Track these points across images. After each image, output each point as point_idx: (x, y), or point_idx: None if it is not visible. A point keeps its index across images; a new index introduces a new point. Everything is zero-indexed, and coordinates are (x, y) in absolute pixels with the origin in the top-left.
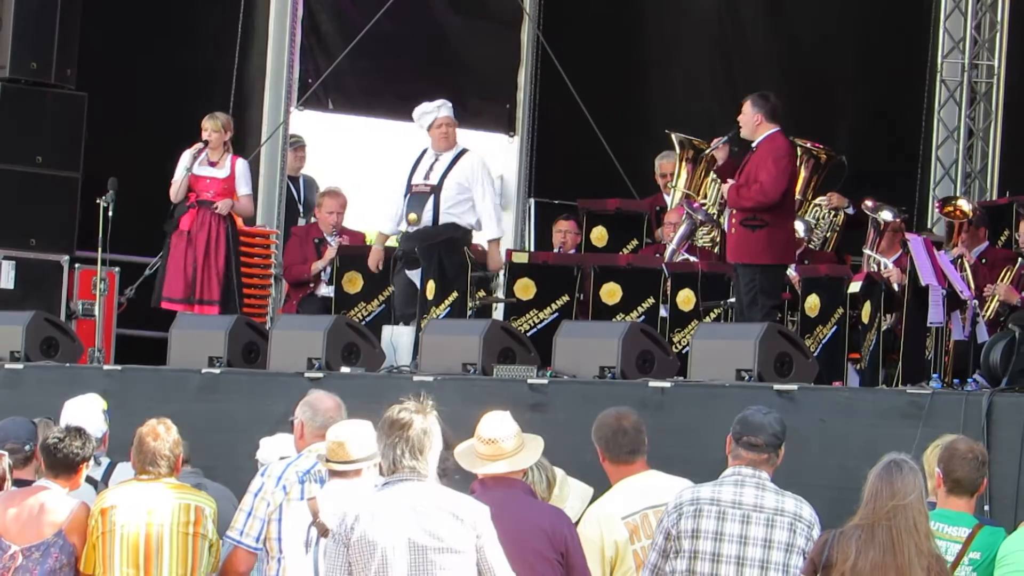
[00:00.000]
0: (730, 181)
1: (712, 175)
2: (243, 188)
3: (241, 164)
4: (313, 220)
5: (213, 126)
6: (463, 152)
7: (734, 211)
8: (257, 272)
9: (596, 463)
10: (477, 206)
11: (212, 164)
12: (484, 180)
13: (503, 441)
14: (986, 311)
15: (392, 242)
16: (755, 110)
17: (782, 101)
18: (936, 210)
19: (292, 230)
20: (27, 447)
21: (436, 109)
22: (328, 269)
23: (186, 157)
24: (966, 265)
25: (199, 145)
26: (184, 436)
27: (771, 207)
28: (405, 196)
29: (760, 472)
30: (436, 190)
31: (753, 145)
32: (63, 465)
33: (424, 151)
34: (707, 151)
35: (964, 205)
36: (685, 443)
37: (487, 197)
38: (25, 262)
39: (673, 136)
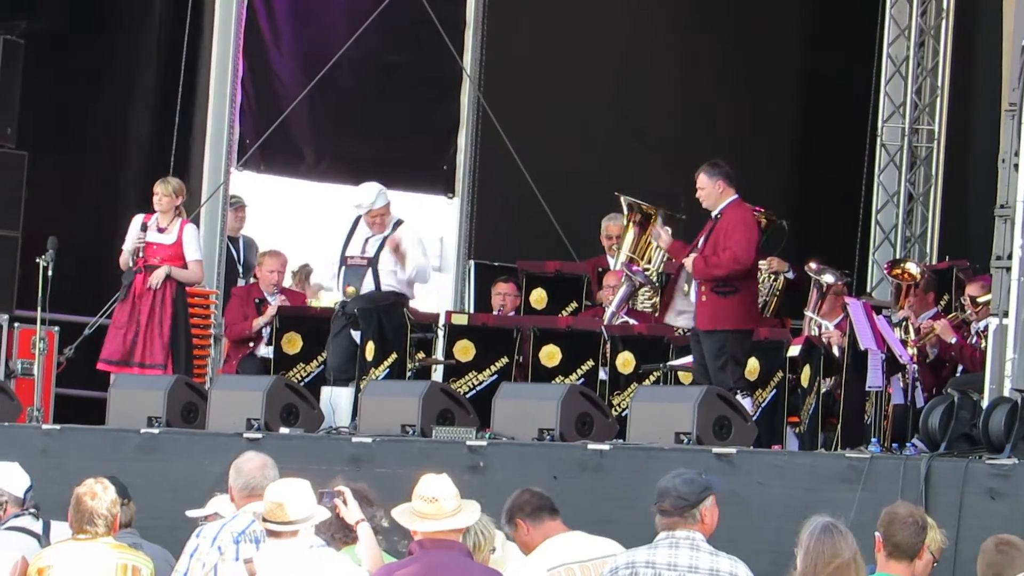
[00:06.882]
0: (693, 255)
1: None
2: (192, 254)
3: (190, 229)
4: (253, 280)
5: (164, 190)
6: (398, 223)
7: (702, 282)
8: (197, 332)
9: None
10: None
11: (161, 230)
12: (417, 250)
13: (443, 500)
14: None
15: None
16: (715, 179)
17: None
18: (884, 272)
19: (233, 290)
20: None
21: (370, 203)
22: (268, 329)
23: (136, 223)
24: (911, 328)
25: (154, 215)
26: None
27: (743, 273)
28: (340, 267)
29: (693, 533)
30: (373, 263)
31: (715, 213)
32: None
33: (357, 219)
34: (660, 217)
35: (912, 268)
36: (624, 506)
37: (416, 267)
38: None
39: (622, 199)
